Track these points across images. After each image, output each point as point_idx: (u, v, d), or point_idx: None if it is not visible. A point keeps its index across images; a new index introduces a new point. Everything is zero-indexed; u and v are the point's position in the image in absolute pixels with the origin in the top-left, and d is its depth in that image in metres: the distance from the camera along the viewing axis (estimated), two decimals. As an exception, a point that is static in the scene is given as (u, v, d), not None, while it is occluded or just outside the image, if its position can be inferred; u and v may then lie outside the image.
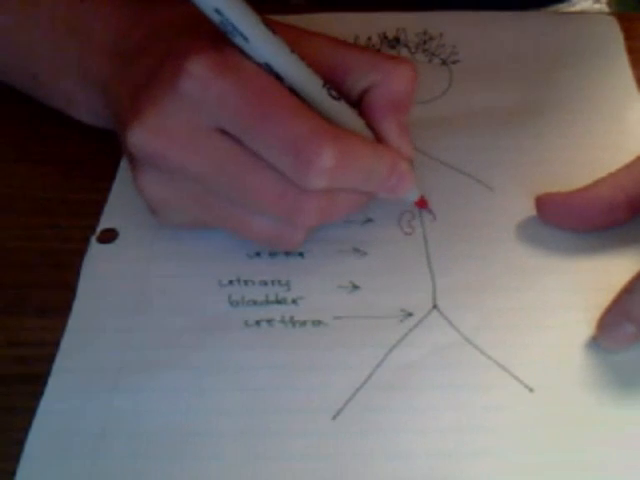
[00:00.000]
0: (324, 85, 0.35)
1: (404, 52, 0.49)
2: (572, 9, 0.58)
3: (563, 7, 0.58)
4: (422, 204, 0.39)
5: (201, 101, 0.32)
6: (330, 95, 0.35)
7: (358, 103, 0.36)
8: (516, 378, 0.33)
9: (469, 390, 0.33)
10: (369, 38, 0.50)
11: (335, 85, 0.35)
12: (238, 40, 0.33)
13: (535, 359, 0.34)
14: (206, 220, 0.36)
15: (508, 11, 0.51)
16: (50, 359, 0.34)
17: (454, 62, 0.48)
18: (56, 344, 0.35)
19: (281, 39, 0.33)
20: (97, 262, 0.38)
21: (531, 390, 0.33)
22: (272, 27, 0.33)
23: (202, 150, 0.33)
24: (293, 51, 0.34)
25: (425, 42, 0.49)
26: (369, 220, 0.39)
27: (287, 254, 0.38)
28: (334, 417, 0.32)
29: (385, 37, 0.50)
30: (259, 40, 0.33)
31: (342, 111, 0.35)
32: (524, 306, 0.36)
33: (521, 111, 0.45)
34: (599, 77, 0.47)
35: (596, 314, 0.35)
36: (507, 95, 0.46)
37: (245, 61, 0.33)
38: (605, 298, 0.35)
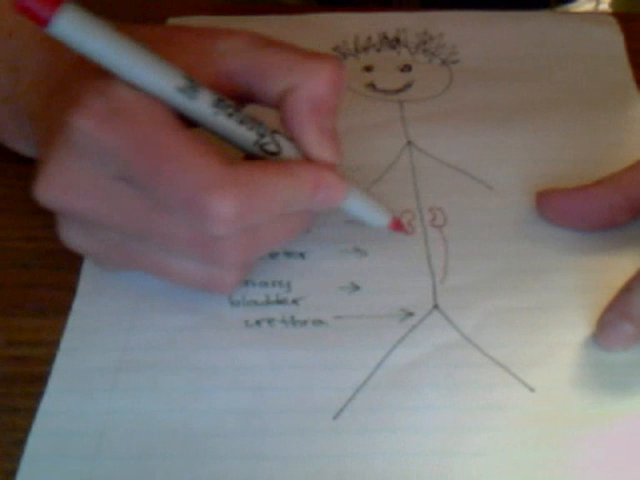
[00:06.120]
0: (218, 102, 0.32)
1: (404, 52, 0.49)
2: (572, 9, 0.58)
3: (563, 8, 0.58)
4: (396, 226, 0.37)
5: (94, 152, 0.31)
6: (221, 112, 0.32)
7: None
8: (516, 378, 0.33)
9: (469, 390, 0.33)
10: (369, 38, 0.50)
11: (254, 90, 0.34)
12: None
13: (535, 359, 0.34)
14: (132, 266, 0.35)
15: (508, 11, 0.51)
16: (50, 359, 0.34)
17: (454, 62, 0.48)
18: (56, 344, 0.35)
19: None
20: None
21: (531, 390, 0.33)
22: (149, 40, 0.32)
23: (108, 200, 0.32)
24: (190, 77, 0.32)
25: (425, 42, 0.49)
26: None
27: (287, 254, 0.38)
28: (335, 417, 0.32)
29: (385, 37, 0.50)
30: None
31: (231, 129, 0.33)
32: (524, 306, 0.36)
33: (521, 111, 0.45)
34: (599, 77, 0.47)
35: (596, 314, 0.35)
36: (507, 95, 0.46)
37: (132, 99, 0.31)
38: (605, 298, 0.35)
